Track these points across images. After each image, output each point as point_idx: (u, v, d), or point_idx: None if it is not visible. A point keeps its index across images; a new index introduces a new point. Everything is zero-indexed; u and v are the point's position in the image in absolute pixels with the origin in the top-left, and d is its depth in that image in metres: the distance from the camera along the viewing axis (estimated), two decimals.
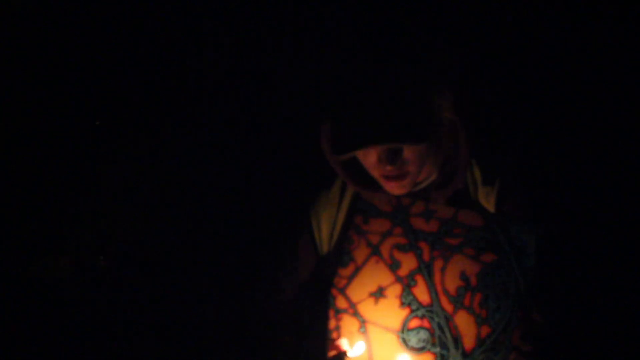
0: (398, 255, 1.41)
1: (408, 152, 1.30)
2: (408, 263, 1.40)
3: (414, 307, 1.38)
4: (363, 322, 1.40)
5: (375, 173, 1.36)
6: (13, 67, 2.15)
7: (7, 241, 2.19)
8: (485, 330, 1.35)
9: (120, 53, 2.14)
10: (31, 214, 2.21)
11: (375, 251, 1.43)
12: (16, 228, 2.20)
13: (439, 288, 1.38)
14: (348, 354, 1.35)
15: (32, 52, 2.15)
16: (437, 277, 1.38)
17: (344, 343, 1.37)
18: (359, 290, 1.42)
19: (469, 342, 1.35)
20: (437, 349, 1.36)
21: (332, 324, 1.43)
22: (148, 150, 2.16)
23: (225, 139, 2.04)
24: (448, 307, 1.37)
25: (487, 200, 1.40)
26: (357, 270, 1.43)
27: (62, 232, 2.22)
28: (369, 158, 1.33)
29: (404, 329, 1.38)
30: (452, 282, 1.37)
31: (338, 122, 1.30)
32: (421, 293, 1.38)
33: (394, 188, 1.36)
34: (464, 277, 1.37)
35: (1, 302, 2.09)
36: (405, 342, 1.37)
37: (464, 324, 1.35)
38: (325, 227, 1.51)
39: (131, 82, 2.15)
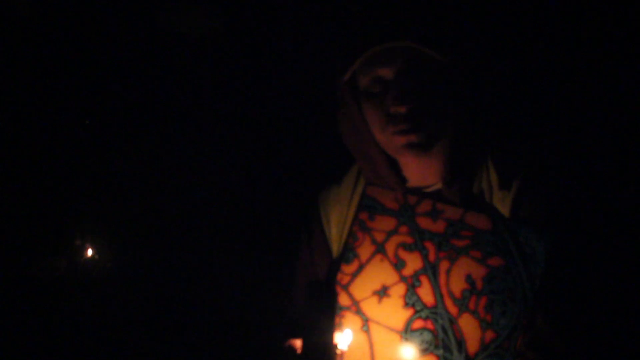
0: (403, 254, 1.39)
1: (424, 100, 1.32)
2: (413, 263, 1.38)
3: (417, 307, 1.35)
4: (366, 321, 1.38)
5: (388, 130, 1.35)
6: (12, 68, 2.16)
7: (7, 242, 2.18)
8: (489, 335, 1.31)
9: (121, 54, 2.15)
10: (30, 216, 2.20)
11: (380, 249, 1.41)
12: (16, 230, 2.19)
13: (443, 290, 1.35)
14: (339, 346, 1.31)
15: (33, 53, 2.16)
16: (442, 279, 1.36)
17: (335, 337, 1.33)
18: (363, 288, 1.40)
19: (472, 346, 1.32)
20: (440, 352, 1.33)
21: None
22: (149, 149, 2.16)
23: (230, 140, 2.04)
24: (452, 310, 1.34)
25: (503, 205, 1.36)
26: (361, 267, 1.41)
27: (60, 234, 2.21)
28: (383, 105, 1.34)
29: (407, 329, 1.35)
30: (457, 285, 1.34)
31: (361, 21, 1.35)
32: (426, 294, 1.36)
33: (406, 146, 1.35)
34: (469, 280, 1.34)
35: (1, 300, 2.08)
36: (408, 342, 1.34)
37: (468, 327, 1.32)
38: (335, 224, 1.49)
39: (131, 82, 2.16)
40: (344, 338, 1.29)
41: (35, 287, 2.14)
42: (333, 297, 1.42)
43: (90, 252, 2.18)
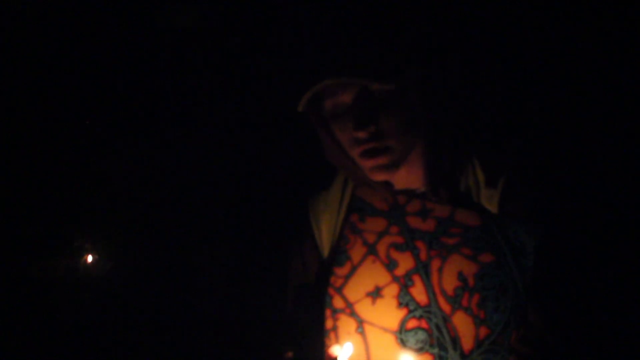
0: (395, 254, 1.39)
1: (384, 121, 1.29)
2: (405, 263, 1.38)
3: (411, 307, 1.36)
4: (360, 322, 1.38)
5: (355, 152, 1.34)
6: (11, 68, 2.15)
7: (7, 243, 2.20)
8: (483, 331, 1.32)
9: (120, 54, 2.13)
10: (30, 217, 2.21)
11: (371, 250, 1.41)
12: (16, 231, 2.21)
13: (436, 288, 1.36)
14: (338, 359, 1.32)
15: (32, 53, 2.15)
16: (434, 277, 1.36)
17: (335, 349, 1.34)
18: (356, 289, 1.40)
19: (467, 343, 1.33)
20: (436, 350, 1.34)
21: (329, 324, 1.41)
22: (147, 152, 2.16)
23: (221, 145, 2.03)
24: (446, 308, 1.34)
25: (490, 202, 1.37)
26: (354, 269, 1.42)
27: (60, 235, 2.22)
28: (347, 128, 1.32)
29: (402, 329, 1.36)
30: (449, 283, 1.35)
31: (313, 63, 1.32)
32: (419, 293, 1.36)
33: (374, 168, 1.34)
34: (461, 277, 1.35)
35: (1, 301, 2.10)
36: (403, 342, 1.35)
37: (462, 324, 1.33)
38: (326, 230, 1.50)
39: (130, 82, 2.15)
40: (344, 351, 1.30)
41: (35, 287, 2.16)
42: (325, 301, 1.43)
43: (89, 252, 2.20)
